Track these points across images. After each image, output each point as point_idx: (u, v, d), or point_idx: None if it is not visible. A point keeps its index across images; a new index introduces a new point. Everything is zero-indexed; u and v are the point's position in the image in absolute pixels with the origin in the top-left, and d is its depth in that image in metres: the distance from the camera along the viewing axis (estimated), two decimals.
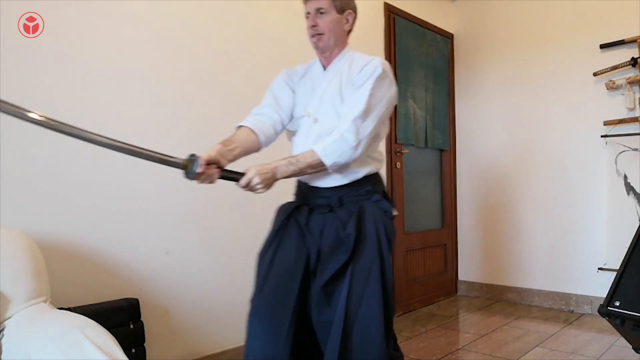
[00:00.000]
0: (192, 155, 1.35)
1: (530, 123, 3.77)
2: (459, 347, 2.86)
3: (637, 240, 2.15)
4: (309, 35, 1.64)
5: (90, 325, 1.28)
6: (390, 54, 3.55)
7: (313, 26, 1.60)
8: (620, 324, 2.03)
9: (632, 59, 3.22)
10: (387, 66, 1.58)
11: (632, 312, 1.98)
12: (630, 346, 2.22)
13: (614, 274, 2.17)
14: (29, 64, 1.83)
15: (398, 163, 3.60)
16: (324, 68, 1.67)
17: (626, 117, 3.27)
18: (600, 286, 3.30)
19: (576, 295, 3.54)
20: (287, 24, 2.79)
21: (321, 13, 1.59)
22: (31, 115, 1.17)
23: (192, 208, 2.35)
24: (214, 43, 2.46)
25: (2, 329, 1.35)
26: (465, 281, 4.18)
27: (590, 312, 3.45)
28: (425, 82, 3.84)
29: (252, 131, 1.59)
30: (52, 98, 1.88)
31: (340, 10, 1.61)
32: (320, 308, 1.50)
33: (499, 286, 3.96)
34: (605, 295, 2.12)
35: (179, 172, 2.26)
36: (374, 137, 1.57)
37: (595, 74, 3.39)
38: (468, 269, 4.16)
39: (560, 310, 3.60)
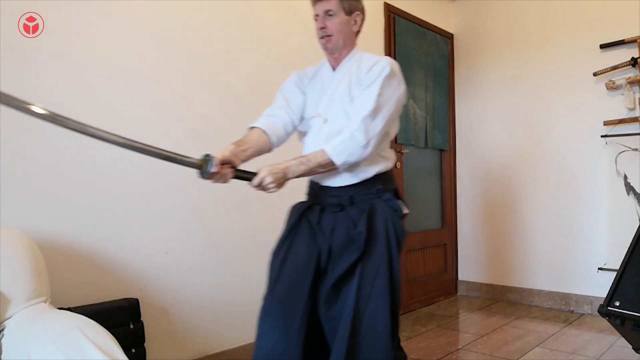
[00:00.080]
0: (207, 155, 1.38)
1: (530, 123, 3.77)
2: (459, 347, 2.86)
3: (637, 240, 2.15)
4: (317, 37, 1.65)
5: (90, 325, 1.28)
6: (390, 54, 3.55)
7: (322, 28, 1.62)
8: (620, 324, 2.03)
9: (632, 59, 3.22)
10: (396, 65, 1.60)
11: (632, 312, 1.98)
12: (630, 346, 2.23)
13: (614, 274, 2.17)
14: (29, 64, 1.83)
15: (398, 163, 3.60)
16: (333, 69, 1.70)
17: (626, 117, 3.27)
18: (600, 286, 3.30)
19: (576, 295, 3.54)
20: (287, 24, 2.80)
21: (330, 15, 1.61)
22: (70, 123, 1.26)
23: (192, 208, 2.35)
24: (214, 43, 2.46)
25: (2, 329, 1.35)
26: (465, 281, 4.18)
27: (590, 312, 3.45)
28: (425, 82, 3.84)
29: (264, 132, 1.62)
30: (52, 98, 1.88)
31: (349, 12, 1.63)
32: (329, 305, 1.52)
33: (499, 286, 3.96)
34: (605, 295, 2.12)
35: (179, 173, 2.27)
36: (384, 136, 1.60)
37: (595, 74, 3.39)
38: (468, 269, 4.16)
39: (560, 310, 3.60)
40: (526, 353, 2.71)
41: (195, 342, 2.33)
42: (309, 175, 1.59)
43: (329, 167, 1.53)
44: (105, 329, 1.29)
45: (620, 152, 3.28)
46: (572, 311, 3.55)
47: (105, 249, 2.02)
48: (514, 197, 3.87)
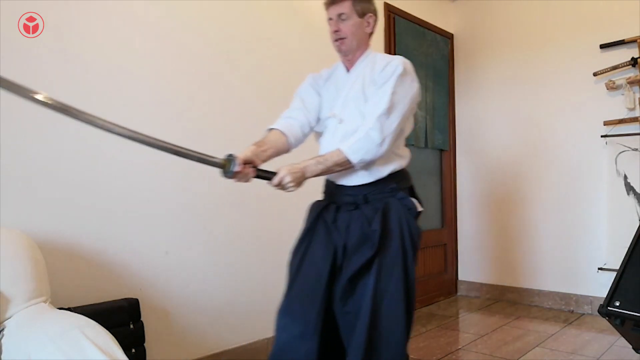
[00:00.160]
0: (230, 155, 1.43)
1: (530, 123, 3.77)
2: (459, 347, 2.86)
3: (637, 240, 2.15)
4: (331, 40, 1.69)
5: (90, 325, 1.28)
6: (390, 54, 3.55)
7: (336, 31, 1.66)
8: (620, 324, 2.03)
9: (632, 59, 3.22)
10: (409, 64, 1.64)
11: (632, 312, 1.98)
12: (630, 346, 2.23)
13: (614, 274, 2.17)
14: (29, 64, 1.82)
15: None
16: (347, 70, 1.74)
17: (626, 117, 3.27)
18: (600, 286, 3.30)
19: (576, 295, 3.54)
20: (287, 24, 2.79)
21: (343, 18, 1.64)
22: (101, 122, 1.30)
23: (192, 209, 2.35)
24: (214, 42, 2.46)
25: (2, 329, 1.35)
26: (465, 281, 4.18)
27: (590, 312, 3.45)
28: (425, 82, 3.84)
29: (283, 133, 1.67)
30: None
31: (361, 14, 1.66)
32: (345, 300, 1.57)
33: (499, 286, 3.96)
34: (605, 295, 2.12)
35: (179, 173, 2.27)
36: (398, 134, 1.63)
37: (595, 74, 3.39)
38: (468, 269, 4.16)
39: (560, 310, 3.60)
40: (526, 353, 2.71)
41: (195, 342, 2.33)
42: (326, 174, 1.64)
43: (346, 166, 1.56)
44: (105, 329, 1.28)
45: (620, 152, 3.28)
46: (572, 311, 3.55)
47: (105, 249, 2.02)
48: (514, 197, 3.87)
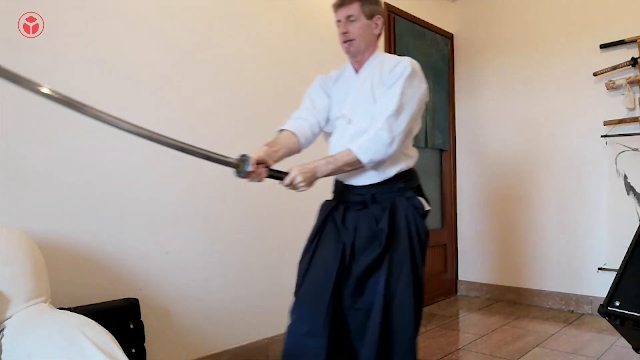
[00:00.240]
0: (244, 155, 1.46)
1: (530, 123, 3.77)
2: (459, 347, 2.86)
3: (637, 240, 2.15)
4: (340, 41, 1.72)
5: (90, 325, 1.28)
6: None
7: (344, 33, 1.69)
8: (620, 324, 2.03)
9: (632, 59, 3.22)
10: (417, 65, 1.66)
11: (632, 312, 1.98)
12: (630, 346, 2.22)
13: (614, 274, 2.16)
14: (29, 64, 1.82)
15: None
16: (356, 72, 1.77)
17: (626, 117, 3.27)
18: (600, 286, 3.30)
19: (576, 295, 3.54)
20: (289, 25, 2.79)
21: (351, 20, 1.67)
22: (115, 120, 1.30)
23: (193, 208, 2.35)
24: (213, 42, 2.45)
25: (2, 329, 1.35)
26: (465, 281, 4.18)
27: (590, 312, 3.45)
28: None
29: (294, 134, 1.70)
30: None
31: (369, 16, 1.69)
32: (355, 297, 1.61)
33: (499, 286, 3.96)
34: (605, 295, 2.11)
35: (179, 173, 2.27)
36: (407, 134, 1.65)
37: (595, 74, 3.39)
38: (468, 269, 4.16)
39: (560, 310, 3.60)
40: (526, 353, 2.71)
41: (195, 342, 2.33)
42: (336, 174, 1.67)
43: (356, 166, 1.59)
44: (105, 329, 1.28)
45: (620, 152, 3.28)
46: (572, 311, 3.55)
47: (105, 249, 2.02)
48: (514, 197, 3.87)
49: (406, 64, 1.62)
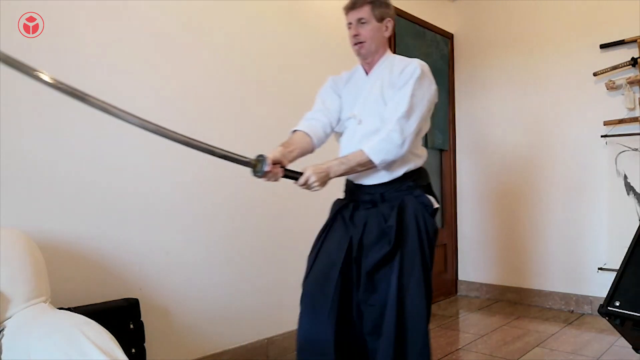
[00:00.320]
0: (261, 155, 1.49)
1: (530, 123, 3.77)
2: (459, 347, 2.86)
3: (637, 240, 2.15)
4: (351, 44, 1.76)
5: (90, 325, 1.28)
6: None
7: (355, 35, 1.73)
8: (620, 324, 2.03)
9: (632, 59, 3.22)
10: (426, 67, 1.71)
11: (632, 312, 1.98)
12: (630, 346, 2.22)
13: (614, 274, 2.16)
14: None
15: None
16: (367, 73, 1.81)
17: (626, 117, 3.27)
18: (600, 286, 3.30)
19: (576, 295, 3.54)
20: (291, 27, 2.80)
21: (362, 23, 1.72)
22: (135, 119, 1.36)
23: (193, 208, 2.35)
24: (213, 42, 2.45)
25: (2, 329, 1.35)
26: (465, 281, 4.17)
27: (590, 312, 3.45)
28: None
29: (307, 134, 1.75)
30: (53, 99, 1.87)
31: (380, 19, 1.73)
32: (368, 293, 1.66)
33: (499, 286, 3.96)
34: (605, 295, 2.11)
35: (179, 173, 2.27)
36: (417, 134, 1.70)
37: (595, 74, 3.39)
38: (468, 269, 4.16)
39: (560, 310, 3.60)
40: (526, 353, 2.71)
41: (195, 342, 2.33)
42: (349, 174, 1.72)
43: (368, 166, 1.64)
44: (105, 329, 1.28)
45: (620, 152, 3.28)
46: (572, 311, 3.55)
47: (105, 249, 2.02)
48: (513, 197, 3.87)
49: (415, 66, 1.66)
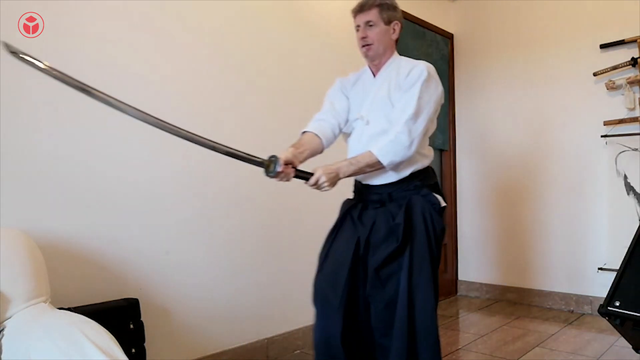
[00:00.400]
0: (273, 156, 1.53)
1: (530, 123, 3.77)
2: (459, 347, 2.86)
3: (637, 240, 2.15)
4: (359, 46, 1.80)
5: (90, 325, 1.28)
6: None
7: (363, 38, 1.77)
8: (620, 324, 2.03)
9: (632, 59, 3.22)
10: (432, 69, 1.75)
11: (632, 312, 1.98)
12: (630, 346, 2.22)
13: (614, 274, 2.16)
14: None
15: None
16: (374, 75, 1.85)
17: (626, 117, 3.27)
18: (600, 286, 3.30)
19: (576, 295, 3.54)
20: (292, 29, 2.80)
21: (370, 25, 1.76)
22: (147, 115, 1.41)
23: (193, 208, 2.35)
24: (213, 41, 2.45)
25: (2, 329, 1.35)
26: (465, 281, 4.17)
27: (590, 312, 3.45)
28: None
29: (316, 135, 1.78)
30: (53, 98, 1.88)
31: (388, 22, 1.78)
32: (375, 289, 1.69)
33: (499, 286, 3.96)
34: (605, 295, 2.11)
35: (179, 173, 2.27)
36: (424, 135, 1.75)
37: (595, 74, 3.39)
38: (468, 269, 4.16)
39: (560, 310, 3.60)
40: (526, 353, 2.71)
41: (195, 342, 2.33)
42: (358, 175, 1.75)
43: (377, 167, 1.68)
44: (105, 329, 1.28)
45: (620, 152, 3.28)
46: (572, 311, 3.55)
47: (105, 249, 2.02)
48: (513, 197, 3.87)
49: (422, 68, 1.70)
